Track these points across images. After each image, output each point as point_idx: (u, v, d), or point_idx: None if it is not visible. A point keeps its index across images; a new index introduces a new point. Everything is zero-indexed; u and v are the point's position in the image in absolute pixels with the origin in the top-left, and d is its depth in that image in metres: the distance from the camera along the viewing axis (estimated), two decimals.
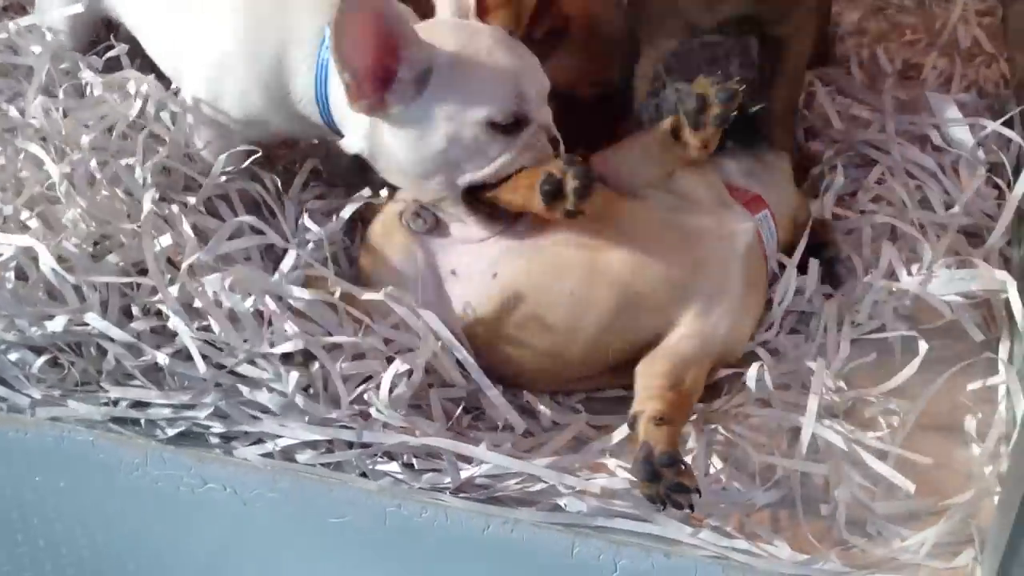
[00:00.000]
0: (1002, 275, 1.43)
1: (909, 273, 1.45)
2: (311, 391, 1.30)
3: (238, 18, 1.40)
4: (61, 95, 1.56)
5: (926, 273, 1.43)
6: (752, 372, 1.33)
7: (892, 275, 1.47)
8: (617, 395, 1.41)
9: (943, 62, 1.95)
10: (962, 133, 1.71)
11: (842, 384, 1.37)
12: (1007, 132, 1.69)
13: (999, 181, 1.65)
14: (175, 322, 1.29)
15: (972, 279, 1.43)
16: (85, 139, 1.46)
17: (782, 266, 1.48)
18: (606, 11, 1.61)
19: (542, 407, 1.38)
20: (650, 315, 1.35)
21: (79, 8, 1.61)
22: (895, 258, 1.47)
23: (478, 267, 1.37)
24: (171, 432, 1.27)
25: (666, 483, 1.17)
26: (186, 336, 1.28)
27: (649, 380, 1.31)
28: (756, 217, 1.44)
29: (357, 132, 1.34)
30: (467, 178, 1.33)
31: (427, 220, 1.39)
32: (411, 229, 1.40)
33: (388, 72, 1.26)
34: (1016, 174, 1.60)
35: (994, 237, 1.55)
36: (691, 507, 1.18)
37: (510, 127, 1.30)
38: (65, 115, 1.53)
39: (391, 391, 1.28)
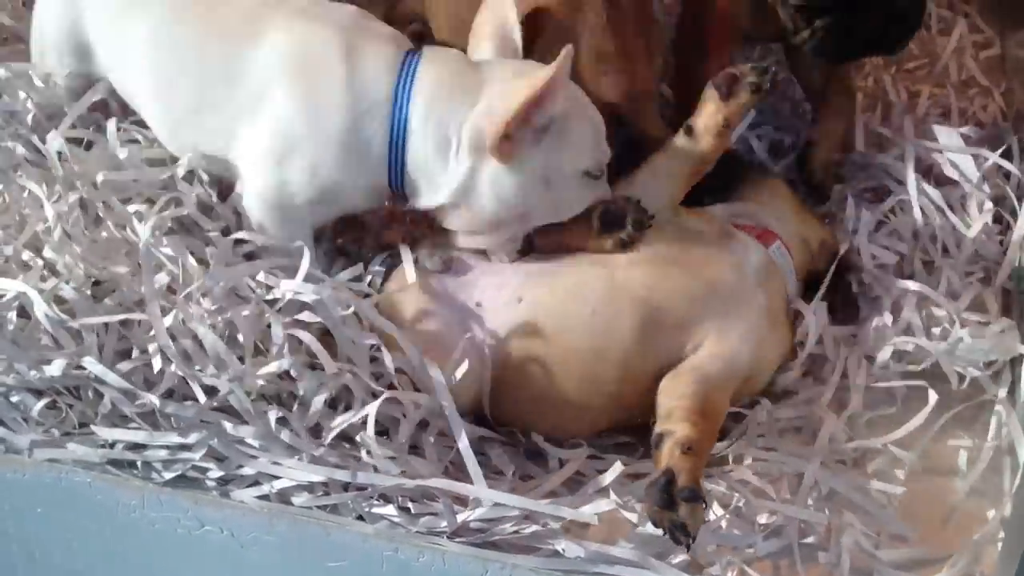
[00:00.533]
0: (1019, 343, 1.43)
1: (928, 335, 1.45)
2: (293, 430, 1.29)
3: (300, 91, 1.36)
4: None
5: (949, 345, 1.42)
6: (760, 415, 1.33)
7: (908, 328, 1.47)
8: (622, 441, 1.41)
9: (940, 92, 1.94)
10: (967, 165, 1.70)
11: (849, 433, 1.36)
12: (1006, 164, 1.69)
13: (1004, 214, 1.64)
14: (164, 345, 1.29)
15: (992, 349, 1.42)
16: (100, 176, 1.45)
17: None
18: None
19: (545, 445, 1.38)
20: (672, 332, 1.35)
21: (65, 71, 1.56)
22: (916, 322, 1.46)
23: (503, 296, 1.38)
24: (168, 475, 1.27)
25: (677, 518, 1.16)
26: (177, 367, 1.29)
27: (675, 399, 1.29)
28: (769, 249, 1.45)
29: (449, 185, 1.35)
30: (542, 221, 1.38)
31: (443, 258, 1.41)
32: (428, 268, 1.41)
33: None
34: (1017, 208, 1.61)
35: (1000, 277, 1.55)
36: (688, 547, 1.16)
37: (595, 174, 1.37)
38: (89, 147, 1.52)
39: (387, 434, 1.27)
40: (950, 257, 1.59)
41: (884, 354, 1.44)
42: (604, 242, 1.38)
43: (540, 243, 1.41)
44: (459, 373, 1.31)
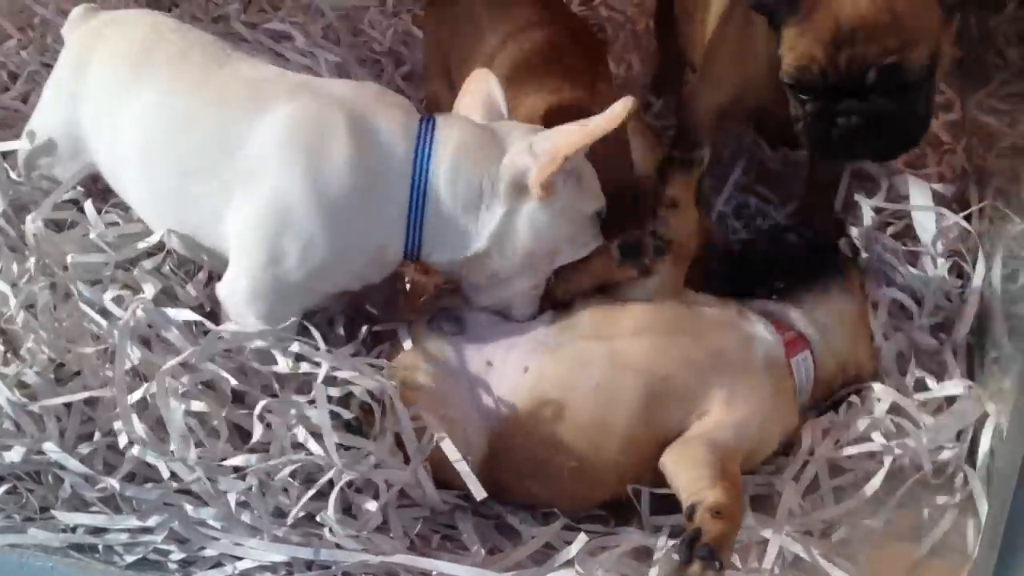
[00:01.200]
0: (983, 409, 1.44)
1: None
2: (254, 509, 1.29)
3: (303, 162, 1.35)
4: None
5: (918, 432, 1.43)
6: None
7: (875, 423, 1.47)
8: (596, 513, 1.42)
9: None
10: (928, 221, 1.74)
11: (806, 506, 1.37)
12: (965, 224, 1.72)
13: (967, 267, 1.67)
14: (129, 430, 1.29)
15: (959, 423, 1.44)
16: (70, 258, 1.46)
17: None
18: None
19: (513, 520, 1.38)
20: (677, 402, 1.36)
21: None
22: (888, 425, 1.47)
23: (511, 361, 1.40)
24: (129, 558, 1.27)
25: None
26: (140, 451, 1.29)
27: (694, 470, 1.29)
28: (795, 359, 1.45)
29: (484, 232, 1.39)
30: (567, 259, 1.44)
31: (459, 321, 1.44)
32: (443, 332, 1.43)
33: None
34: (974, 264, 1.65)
35: (960, 333, 1.58)
36: None
37: (602, 215, 1.46)
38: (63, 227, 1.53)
39: (349, 510, 1.27)
40: (908, 318, 1.62)
41: (852, 449, 1.45)
42: (626, 271, 1.43)
43: (561, 286, 1.45)
44: (446, 447, 1.31)
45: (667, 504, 1.36)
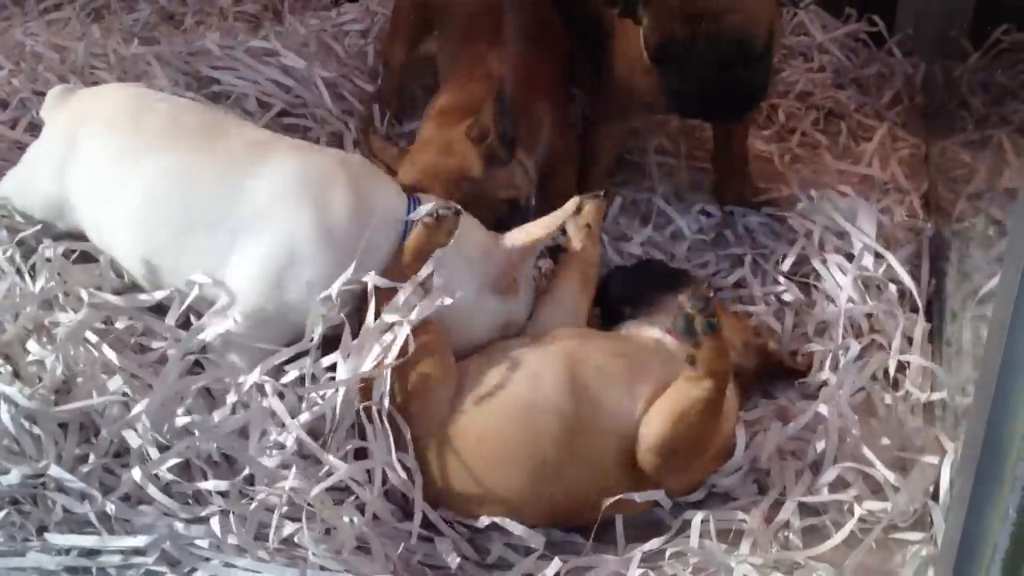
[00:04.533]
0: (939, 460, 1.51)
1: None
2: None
3: (309, 206, 1.49)
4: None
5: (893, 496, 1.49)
6: (695, 521, 1.40)
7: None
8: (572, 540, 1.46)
9: (863, 188, 2.05)
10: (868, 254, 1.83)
11: (780, 542, 1.43)
12: (901, 272, 1.79)
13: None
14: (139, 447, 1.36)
15: (928, 479, 1.50)
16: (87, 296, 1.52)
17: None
18: None
19: (495, 546, 1.42)
20: (615, 388, 1.45)
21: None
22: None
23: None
24: None
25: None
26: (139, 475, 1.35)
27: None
28: None
29: None
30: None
31: None
32: None
33: None
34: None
35: (912, 380, 1.66)
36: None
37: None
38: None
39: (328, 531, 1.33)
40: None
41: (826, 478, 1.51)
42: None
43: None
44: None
45: (640, 531, 1.42)
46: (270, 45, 2.21)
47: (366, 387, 1.42)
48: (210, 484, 1.38)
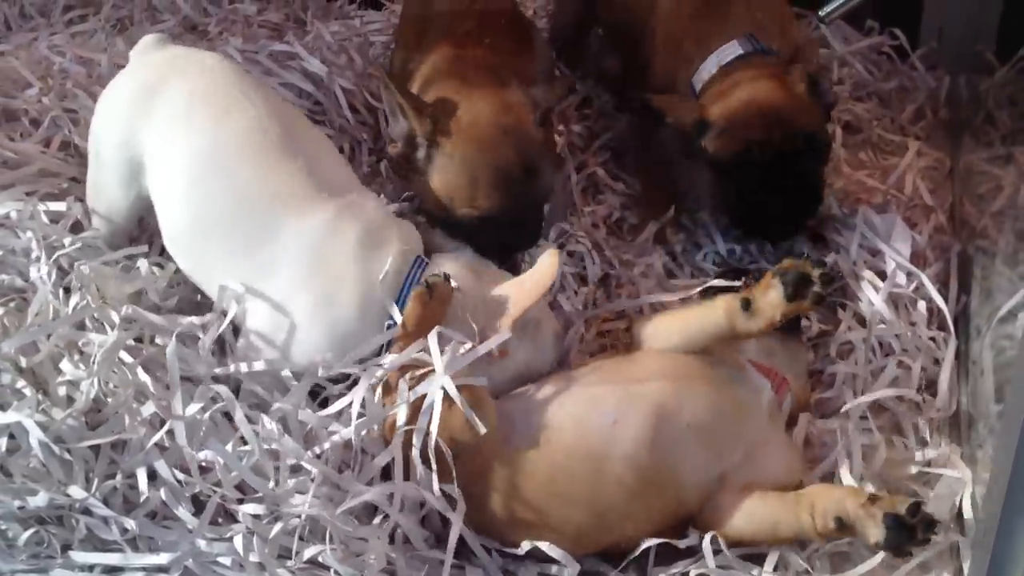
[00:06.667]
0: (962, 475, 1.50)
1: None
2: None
3: (314, 279, 1.51)
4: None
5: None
6: (706, 541, 1.38)
7: None
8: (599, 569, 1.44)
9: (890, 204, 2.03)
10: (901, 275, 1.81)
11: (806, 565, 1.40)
12: (932, 292, 1.77)
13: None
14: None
15: (950, 496, 1.49)
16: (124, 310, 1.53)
17: None
18: None
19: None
20: (700, 449, 1.39)
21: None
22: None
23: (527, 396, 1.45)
24: None
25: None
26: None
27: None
28: (785, 400, 1.51)
29: None
30: None
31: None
32: None
33: None
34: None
35: (940, 400, 1.64)
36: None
37: None
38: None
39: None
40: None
41: None
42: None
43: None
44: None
45: (667, 555, 1.40)
46: (293, 49, 2.20)
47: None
48: (245, 507, 1.38)
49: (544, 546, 1.36)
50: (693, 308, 1.50)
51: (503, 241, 1.71)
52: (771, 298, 1.41)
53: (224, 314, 1.53)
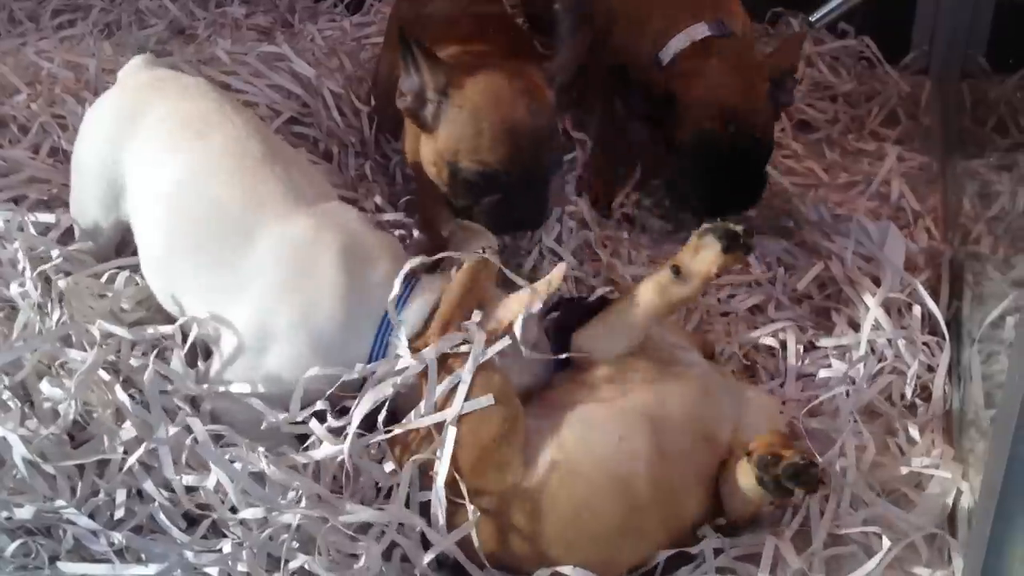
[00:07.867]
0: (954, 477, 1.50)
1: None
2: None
3: (293, 292, 1.45)
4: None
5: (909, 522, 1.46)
6: (708, 546, 1.38)
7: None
8: None
9: (872, 205, 2.05)
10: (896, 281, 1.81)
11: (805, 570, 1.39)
12: (926, 298, 1.77)
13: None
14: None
15: (942, 498, 1.49)
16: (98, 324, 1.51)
17: None
18: None
19: None
20: (696, 436, 1.39)
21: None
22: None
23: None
24: None
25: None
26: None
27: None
28: None
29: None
30: None
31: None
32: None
33: None
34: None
35: (933, 404, 1.64)
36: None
37: None
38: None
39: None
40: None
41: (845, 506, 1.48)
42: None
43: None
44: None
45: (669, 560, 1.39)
46: (281, 50, 2.19)
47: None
48: (238, 514, 1.37)
49: (568, 570, 1.32)
50: (619, 302, 1.48)
51: (506, 212, 1.68)
52: (705, 256, 1.42)
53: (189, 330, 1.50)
